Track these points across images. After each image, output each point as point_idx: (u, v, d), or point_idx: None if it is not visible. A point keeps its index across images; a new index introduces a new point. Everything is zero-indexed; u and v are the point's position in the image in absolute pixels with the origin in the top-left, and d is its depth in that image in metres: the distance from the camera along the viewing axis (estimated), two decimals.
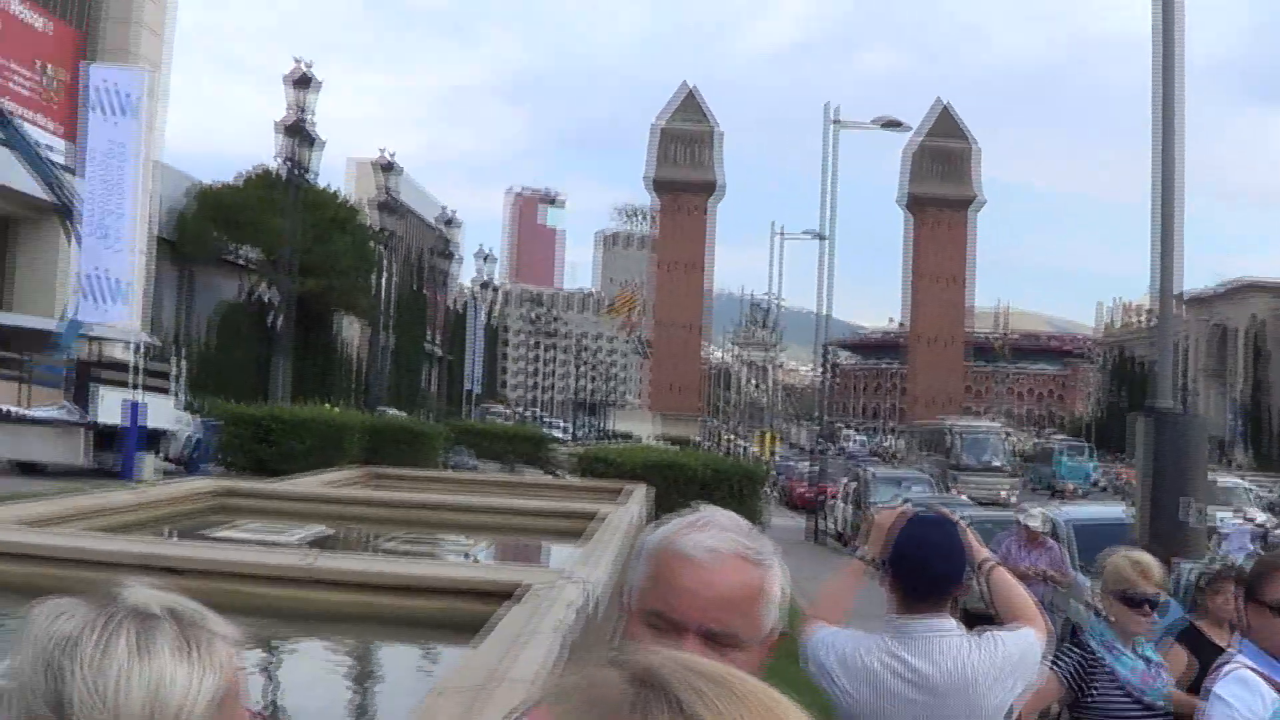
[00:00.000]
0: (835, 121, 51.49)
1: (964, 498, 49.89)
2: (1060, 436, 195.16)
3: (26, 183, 55.45)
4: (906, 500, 37.77)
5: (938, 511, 5.75)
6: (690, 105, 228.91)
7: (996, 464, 72.08)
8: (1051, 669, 6.79)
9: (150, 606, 1.72)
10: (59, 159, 63.69)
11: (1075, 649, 7.06)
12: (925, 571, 5.13)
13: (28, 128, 56.30)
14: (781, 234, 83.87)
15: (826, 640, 5.28)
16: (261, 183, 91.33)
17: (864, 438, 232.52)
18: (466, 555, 20.15)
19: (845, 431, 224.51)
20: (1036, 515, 18.83)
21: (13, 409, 41.45)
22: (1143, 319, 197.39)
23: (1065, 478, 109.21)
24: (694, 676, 1.27)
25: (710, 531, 2.75)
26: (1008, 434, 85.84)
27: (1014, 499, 58.31)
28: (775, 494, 51.98)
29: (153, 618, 1.71)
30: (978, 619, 5.85)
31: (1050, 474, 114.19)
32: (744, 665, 2.48)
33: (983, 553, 5.59)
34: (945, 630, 5.10)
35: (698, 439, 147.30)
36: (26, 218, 70.52)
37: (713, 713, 1.22)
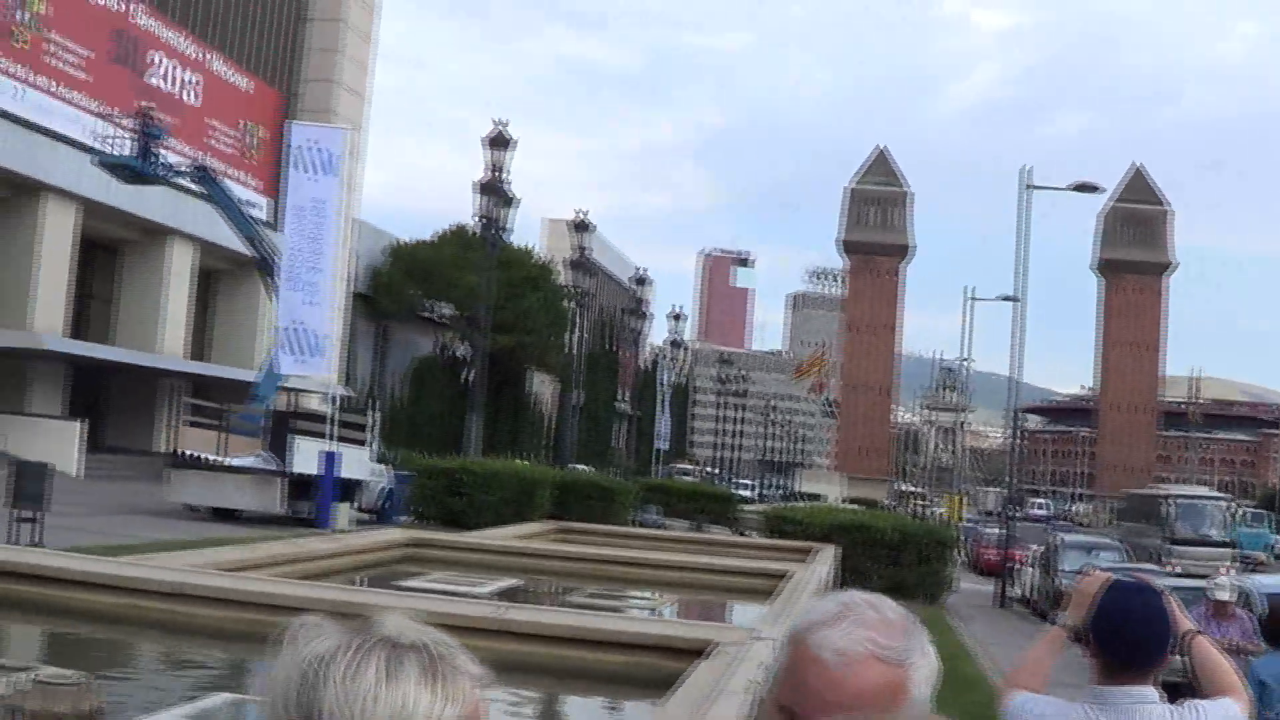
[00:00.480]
0: (1029, 185, 50.82)
1: (1153, 566, 48.77)
2: (1247, 504, 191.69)
3: (228, 238, 56.69)
4: (1096, 567, 37.11)
5: (1142, 579, 5.61)
6: (882, 166, 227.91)
7: (1216, 537, 69.55)
8: None
9: (403, 636, 1.80)
10: (259, 214, 65.08)
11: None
12: (1128, 639, 4.99)
13: (230, 184, 57.51)
14: (973, 297, 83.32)
15: (1026, 706, 5.17)
16: (457, 240, 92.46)
17: (1048, 502, 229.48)
18: (653, 611, 20.12)
19: (1034, 500, 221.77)
20: (1226, 586, 17.96)
21: (212, 457, 42.23)
22: None
23: (1244, 546, 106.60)
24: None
25: (843, 628, 2.49)
26: (1231, 503, 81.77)
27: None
28: (964, 558, 51.20)
29: (403, 646, 1.78)
30: (1174, 690, 5.69)
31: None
32: None
33: (1185, 622, 5.44)
34: (1147, 700, 4.96)
35: (885, 501, 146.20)
36: (227, 271, 72.05)
37: None
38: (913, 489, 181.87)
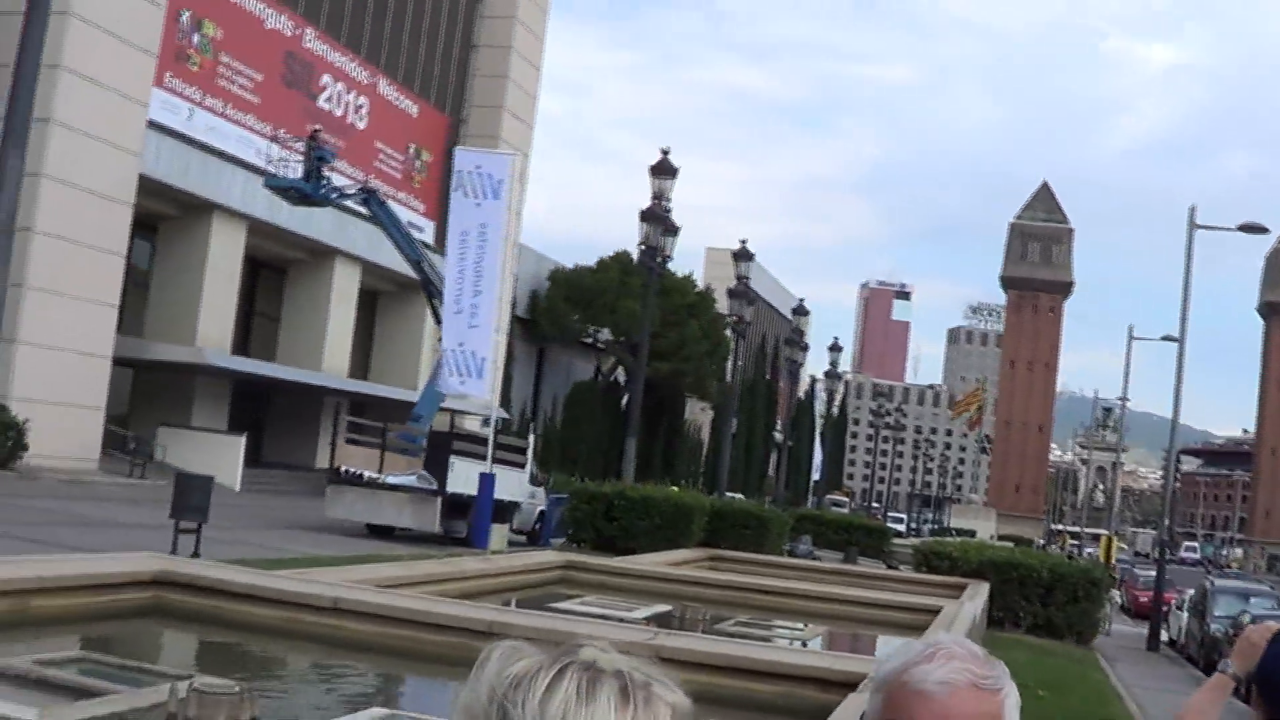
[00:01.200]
0: (1195, 224, 50.04)
1: None
2: None
3: (392, 259, 57.22)
4: (1250, 614, 36.40)
5: None
6: (1045, 202, 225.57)
7: None
8: None
9: (601, 661, 1.78)
10: (424, 237, 65.72)
11: None
12: None
13: (395, 207, 58.12)
14: (1135, 336, 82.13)
15: None
16: (618, 267, 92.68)
17: (1199, 545, 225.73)
18: (802, 642, 19.98)
19: (1187, 543, 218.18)
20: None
21: (370, 474, 42.62)
22: None
23: None
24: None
25: (939, 662, 2.62)
26: None
27: None
28: (1121, 600, 50.54)
29: (601, 670, 1.76)
30: None
31: None
32: None
33: None
34: None
35: (1039, 540, 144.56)
36: (390, 293, 72.87)
37: None
38: (1066, 528, 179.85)
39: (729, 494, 61.37)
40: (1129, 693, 28.49)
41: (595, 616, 17.47)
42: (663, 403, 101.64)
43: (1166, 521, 57.57)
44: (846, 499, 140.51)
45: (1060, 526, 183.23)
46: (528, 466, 45.32)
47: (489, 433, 39.79)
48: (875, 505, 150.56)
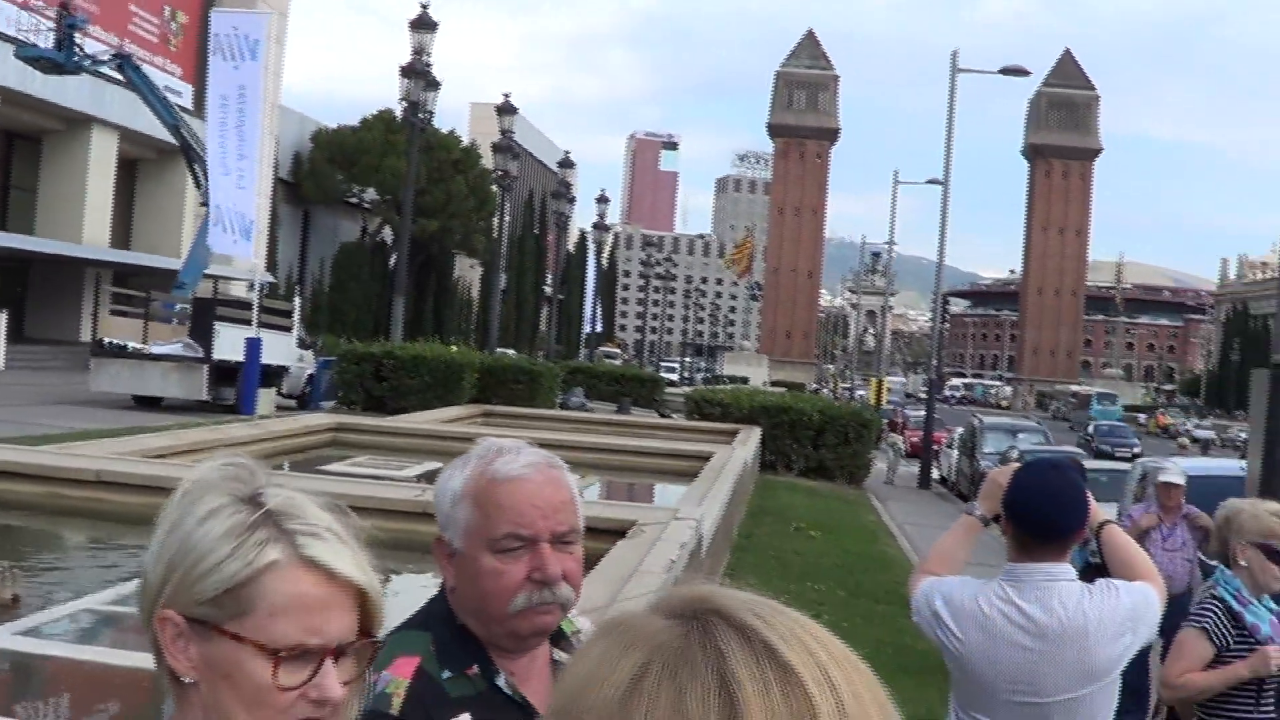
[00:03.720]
0: (958, 69, 50.72)
1: (1077, 449, 49.13)
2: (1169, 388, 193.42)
3: (151, 126, 55.86)
4: (1018, 449, 37.41)
5: (1058, 457, 5.63)
6: (811, 49, 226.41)
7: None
8: (1197, 627, 6.61)
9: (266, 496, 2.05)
10: (182, 102, 64.22)
11: (1215, 602, 6.75)
12: (1042, 513, 4.98)
13: (151, 71, 56.73)
14: (900, 180, 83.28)
15: (935, 585, 5.18)
16: (381, 125, 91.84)
17: (961, 383, 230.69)
18: (579, 494, 20.17)
19: (952, 381, 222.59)
20: (1175, 470, 14.62)
21: (135, 345, 41.95)
22: (1267, 275, 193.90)
23: (1098, 419, 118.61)
24: (745, 603, 1.23)
25: (511, 454, 2.92)
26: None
27: None
28: (904, 444, 51.06)
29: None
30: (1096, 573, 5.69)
31: (1085, 419, 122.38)
32: (579, 558, 2.93)
33: (1098, 511, 5.42)
34: (1061, 576, 4.98)
35: (812, 385, 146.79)
36: (151, 160, 71.25)
37: (778, 635, 1.19)
38: (837, 370, 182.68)
39: (501, 350, 61.42)
40: (900, 530, 29.22)
41: (366, 477, 17.47)
42: (431, 261, 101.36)
43: (935, 362, 58.86)
44: (619, 351, 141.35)
45: (834, 370, 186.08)
46: (295, 330, 44.89)
47: (254, 298, 39.36)
48: (636, 355, 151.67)
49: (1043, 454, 31.36)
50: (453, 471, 2.98)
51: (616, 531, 11.44)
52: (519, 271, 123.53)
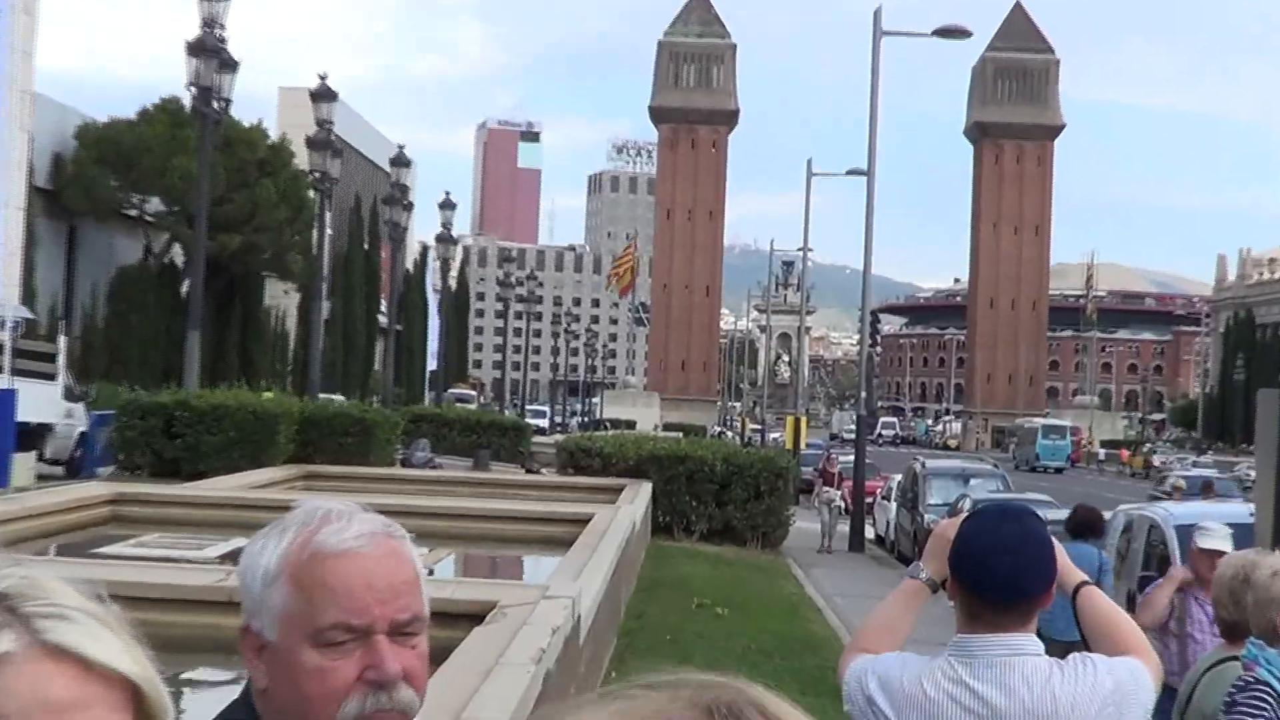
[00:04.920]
0: (883, 32, 51.05)
1: (1046, 497, 48.98)
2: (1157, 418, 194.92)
3: None
4: (970, 498, 37.70)
5: (1015, 505, 5.61)
6: (702, 13, 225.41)
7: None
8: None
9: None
10: None
11: (1263, 689, 6.64)
12: (996, 570, 4.94)
13: None
14: (813, 172, 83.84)
15: (869, 665, 5.14)
16: (166, 118, 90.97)
17: (897, 420, 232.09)
18: (428, 570, 20.08)
19: (887, 418, 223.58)
20: (1219, 533, 12.81)
21: None
22: (1277, 274, 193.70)
23: (1044, 458, 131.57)
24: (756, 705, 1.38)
25: (340, 521, 2.85)
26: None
27: None
28: (843, 499, 50.67)
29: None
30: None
31: (1031, 456, 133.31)
32: (424, 652, 2.87)
33: (1072, 571, 5.39)
34: (1024, 649, 4.94)
35: (715, 427, 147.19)
36: None
37: None
38: (745, 409, 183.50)
39: (325, 395, 61.22)
40: (828, 602, 29.32)
41: (156, 560, 17.31)
42: (235, 286, 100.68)
43: (864, 394, 58.99)
44: (474, 392, 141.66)
45: (743, 409, 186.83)
46: (60, 377, 44.50)
47: (4, 339, 38.99)
48: (495, 397, 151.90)
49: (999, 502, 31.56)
50: (265, 542, 2.89)
51: (473, 616, 11.41)
52: (346, 297, 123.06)
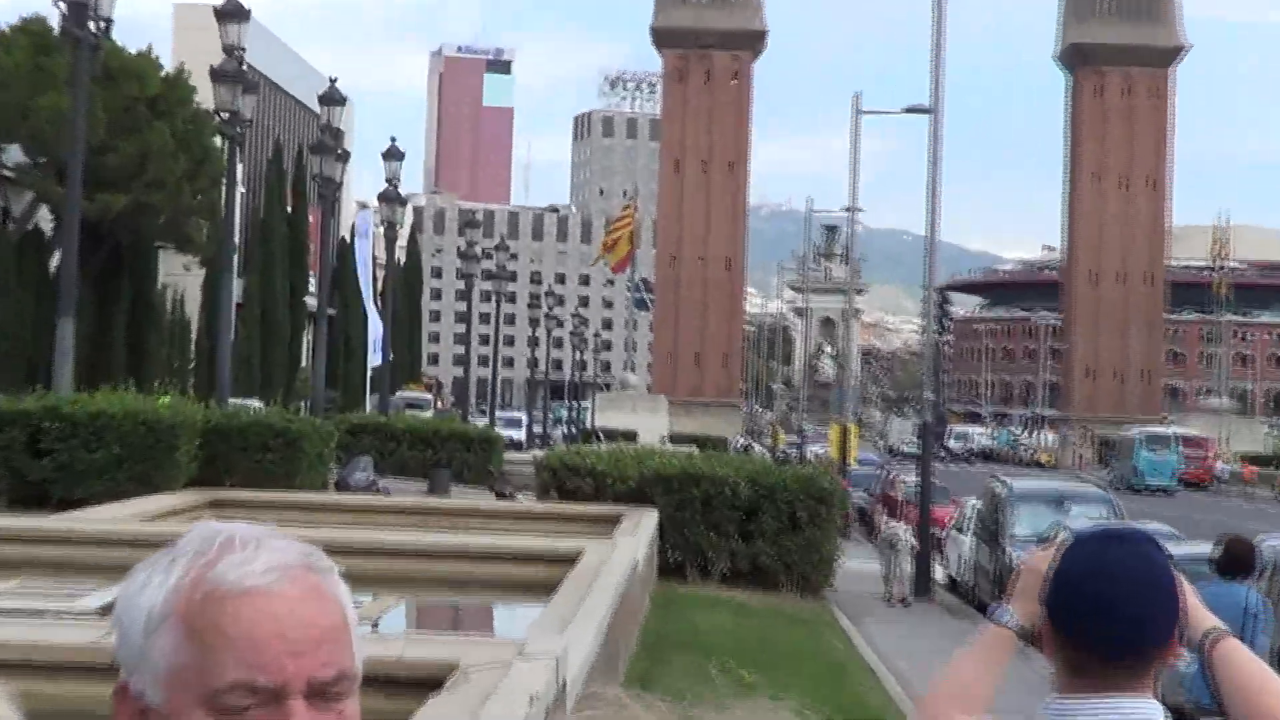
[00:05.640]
0: None
1: (1166, 527, 48.73)
2: None
3: None
4: (1069, 529, 37.73)
5: (1128, 529, 5.54)
6: None
7: None
8: None
9: None
10: None
11: None
12: (1105, 613, 4.88)
13: None
14: (860, 110, 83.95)
15: None
16: (28, 43, 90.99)
17: (969, 430, 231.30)
18: (371, 624, 20.10)
19: (957, 428, 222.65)
20: None
21: None
22: None
23: (1147, 475, 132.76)
24: None
25: (246, 550, 2.74)
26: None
27: None
28: (912, 537, 50.14)
29: None
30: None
31: (1131, 472, 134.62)
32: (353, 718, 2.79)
33: (1205, 615, 5.30)
34: (1138, 713, 4.89)
35: (738, 439, 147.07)
36: None
37: None
38: (778, 416, 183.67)
39: (237, 400, 61.28)
40: (887, 665, 29.33)
41: (16, 613, 17.31)
42: (121, 259, 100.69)
43: (931, 395, 59.00)
44: (429, 395, 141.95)
45: (778, 415, 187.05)
46: None
47: None
48: (454, 399, 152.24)
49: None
50: (148, 577, 2.79)
51: (427, 682, 11.39)
52: (263, 273, 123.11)
